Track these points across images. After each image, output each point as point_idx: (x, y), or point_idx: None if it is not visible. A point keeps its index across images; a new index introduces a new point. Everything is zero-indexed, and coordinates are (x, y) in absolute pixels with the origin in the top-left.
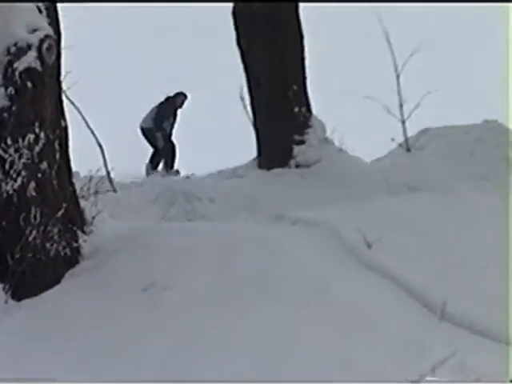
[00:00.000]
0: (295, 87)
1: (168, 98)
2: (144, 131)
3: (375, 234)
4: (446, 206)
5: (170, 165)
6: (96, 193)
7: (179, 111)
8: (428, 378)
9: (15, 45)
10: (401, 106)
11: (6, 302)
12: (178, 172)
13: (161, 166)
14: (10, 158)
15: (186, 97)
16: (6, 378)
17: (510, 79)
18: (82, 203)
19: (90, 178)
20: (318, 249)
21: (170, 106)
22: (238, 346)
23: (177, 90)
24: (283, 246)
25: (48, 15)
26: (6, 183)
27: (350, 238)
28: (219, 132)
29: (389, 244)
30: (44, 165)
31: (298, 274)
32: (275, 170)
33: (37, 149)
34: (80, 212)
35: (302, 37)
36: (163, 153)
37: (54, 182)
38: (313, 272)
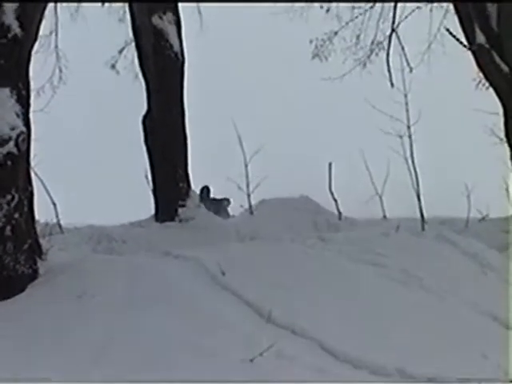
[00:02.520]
0: (180, 171)
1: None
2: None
3: (228, 266)
4: (274, 249)
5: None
6: (50, 234)
7: None
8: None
9: (1, 137)
10: (247, 185)
11: None
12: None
13: None
14: None
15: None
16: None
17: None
18: (41, 240)
19: (47, 224)
20: (191, 275)
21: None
22: (140, 336)
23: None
24: (168, 272)
25: (22, 119)
26: None
27: (212, 268)
28: (133, 197)
29: (236, 273)
30: (17, 215)
31: (177, 291)
32: (166, 223)
33: (12, 204)
34: (39, 245)
35: (185, 138)
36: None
37: (23, 226)
38: (187, 290)
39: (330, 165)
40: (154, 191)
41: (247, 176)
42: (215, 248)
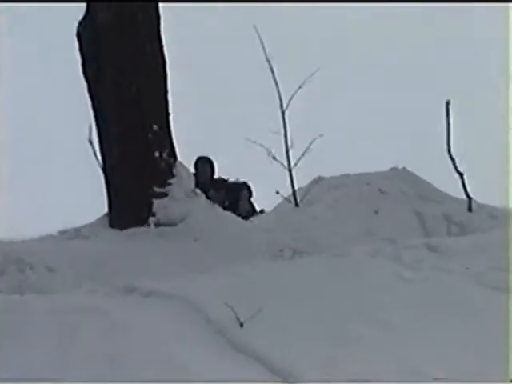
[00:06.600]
0: (155, 127)
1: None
2: None
3: (250, 309)
4: (338, 274)
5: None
6: None
7: None
8: None
9: None
10: (287, 150)
11: None
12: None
13: None
14: None
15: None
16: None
17: None
18: None
19: None
20: (174, 327)
21: None
22: None
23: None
24: (133, 322)
25: None
26: None
27: (217, 314)
28: (61, 183)
29: (265, 321)
30: None
31: (151, 356)
32: (130, 230)
33: None
34: None
35: (164, 62)
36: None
37: None
38: (167, 354)
39: (447, 104)
40: (105, 169)
41: (286, 133)
42: (226, 275)
